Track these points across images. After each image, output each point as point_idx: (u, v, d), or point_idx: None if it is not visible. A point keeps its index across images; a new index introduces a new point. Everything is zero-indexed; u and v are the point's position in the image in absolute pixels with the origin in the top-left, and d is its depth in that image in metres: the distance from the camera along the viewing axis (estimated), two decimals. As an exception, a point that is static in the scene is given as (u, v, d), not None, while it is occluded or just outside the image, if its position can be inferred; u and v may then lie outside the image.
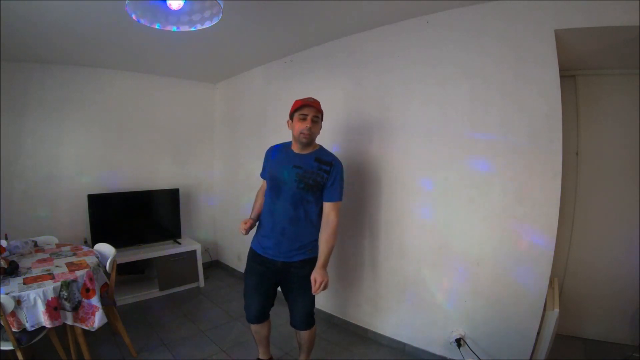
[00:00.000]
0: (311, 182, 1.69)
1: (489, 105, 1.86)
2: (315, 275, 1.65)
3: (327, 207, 1.73)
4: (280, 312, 2.79)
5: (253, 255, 1.84)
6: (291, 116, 1.73)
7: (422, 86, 2.09)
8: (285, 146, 1.82)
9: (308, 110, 1.67)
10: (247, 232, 1.79)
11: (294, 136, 1.73)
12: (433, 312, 2.12)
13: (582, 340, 2.32)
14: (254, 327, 1.91)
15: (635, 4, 1.44)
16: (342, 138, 2.51)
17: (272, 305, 1.91)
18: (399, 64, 2.18)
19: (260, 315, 1.87)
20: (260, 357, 2.05)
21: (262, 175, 1.90)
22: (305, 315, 1.80)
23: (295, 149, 1.76)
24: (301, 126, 1.66)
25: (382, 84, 2.28)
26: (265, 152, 1.89)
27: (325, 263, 1.68)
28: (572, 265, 2.34)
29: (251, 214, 1.92)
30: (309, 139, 1.69)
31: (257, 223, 1.88)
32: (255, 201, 1.95)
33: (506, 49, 1.79)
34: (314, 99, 1.72)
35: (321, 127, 1.77)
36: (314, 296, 1.77)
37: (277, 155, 1.82)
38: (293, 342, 2.36)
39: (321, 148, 1.81)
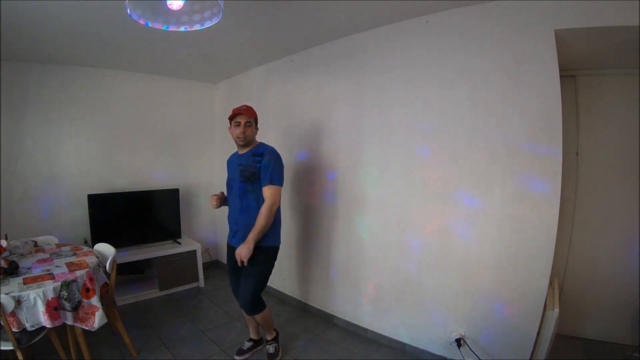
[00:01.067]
0: (247, 174, 1.95)
1: (488, 105, 1.86)
2: (237, 249, 1.87)
3: (264, 191, 1.94)
4: (281, 312, 2.81)
5: (227, 246, 2.14)
6: (231, 124, 1.99)
7: (422, 86, 2.09)
8: (235, 152, 2.12)
9: (241, 118, 1.94)
10: (218, 204, 2.11)
11: (234, 140, 2.02)
12: (433, 312, 2.12)
13: (582, 340, 2.32)
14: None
15: (635, 4, 1.45)
16: (342, 138, 2.51)
17: None
18: (399, 63, 2.18)
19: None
20: (251, 336, 2.26)
21: (226, 182, 2.16)
22: (246, 300, 1.98)
23: (239, 151, 2.07)
24: (236, 132, 1.96)
25: (382, 84, 2.28)
26: None
27: (251, 238, 1.86)
28: (572, 265, 2.34)
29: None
30: (245, 141, 1.98)
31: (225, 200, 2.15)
32: None
33: (506, 49, 1.79)
34: (247, 107, 1.99)
35: (257, 128, 2.05)
36: (258, 283, 1.98)
37: (230, 161, 2.14)
38: (293, 342, 2.37)
39: (259, 144, 2.06)
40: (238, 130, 1.95)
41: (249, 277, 1.96)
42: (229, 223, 2.08)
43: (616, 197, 2.22)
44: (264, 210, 1.88)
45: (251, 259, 1.87)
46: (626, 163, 2.17)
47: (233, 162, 2.08)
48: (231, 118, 1.96)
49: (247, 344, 2.22)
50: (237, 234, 2.00)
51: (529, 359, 1.78)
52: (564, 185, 1.70)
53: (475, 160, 1.91)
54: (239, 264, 1.86)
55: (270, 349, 2.16)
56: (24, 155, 2.82)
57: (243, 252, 1.84)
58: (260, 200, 1.94)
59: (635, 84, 2.09)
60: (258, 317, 2.05)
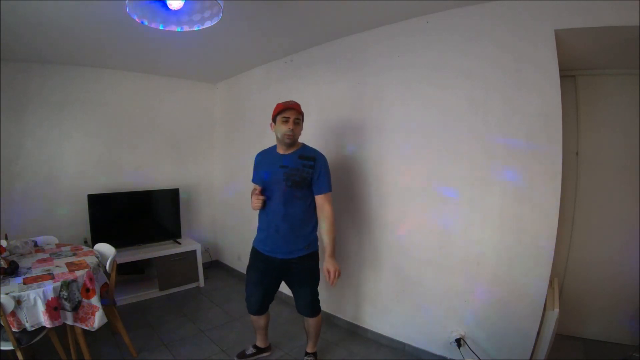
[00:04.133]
0: (298, 179, 1.79)
1: (488, 105, 1.86)
2: (327, 267, 1.78)
3: (319, 200, 1.84)
4: (282, 312, 2.81)
5: (255, 252, 1.97)
6: (274, 119, 1.85)
7: (422, 86, 2.09)
8: (271, 149, 1.95)
9: (290, 113, 1.79)
10: (262, 206, 1.84)
11: (277, 138, 1.86)
12: (433, 312, 2.12)
13: (582, 340, 2.32)
14: (255, 317, 2.05)
15: (635, 4, 1.44)
16: (342, 138, 2.51)
17: (273, 299, 2.06)
18: (399, 63, 2.18)
19: (261, 308, 2.00)
20: (257, 343, 2.19)
21: (254, 180, 2.01)
22: (306, 304, 1.93)
23: (280, 150, 1.88)
24: (284, 128, 1.79)
25: (381, 84, 2.27)
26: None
27: (332, 253, 1.80)
28: (572, 265, 2.34)
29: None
30: (293, 139, 1.82)
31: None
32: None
33: (506, 49, 1.79)
34: (295, 102, 1.83)
35: (302, 127, 1.89)
36: (315, 287, 1.94)
37: (264, 159, 1.96)
38: (293, 342, 2.37)
39: (304, 146, 1.92)
40: (286, 127, 1.77)
41: (307, 285, 1.91)
42: (265, 228, 1.89)
43: (616, 197, 2.22)
44: (332, 220, 1.82)
45: (306, 267, 1.85)
46: (626, 163, 2.17)
47: (270, 162, 1.88)
48: (277, 112, 1.81)
49: (251, 349, 2.17)
50: (277, 241, 1.84)
51: (529, 359, 1.78)
52: (564, 185, 1.70)
53: (475, 160, 1.91)
54: (332, 282, 1.77)
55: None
56: (24, 155, 2.82)
57: (336, 267, 1.78)
58: (305, 207, 1.84)
59: (635, 84, 2.09)
60: (313, 321, 1.98)
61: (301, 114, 1.85)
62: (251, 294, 1.97)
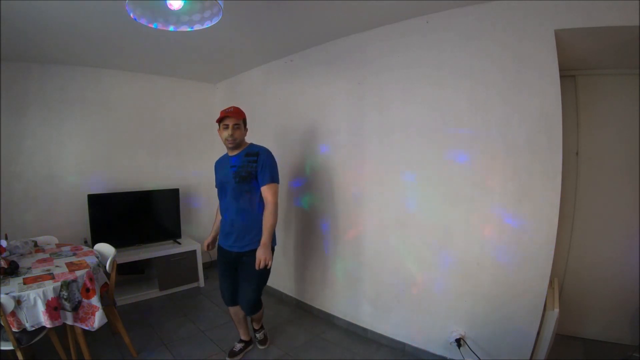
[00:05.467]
0: (244, 174, 1.93)
1: (488, 105, 1.86)
2: (258, 254, 1.86)
3: (263, 191, 1.95)
4: (280, 312, 2.81)
5: (218, 248, 2.11)
6: (219, 126, 1.96)
7: (422, 86, 2.09)
8: (225, 155, 2.10)
9: (229, 120, 1.91)
10: (210, 247, 2.17)
11: (223, 142, 1.98)
12: (433, 312, 2.12)
13: (582, 340, 2.32)
14: (231, 310, 2.16)
15: (635, 4, 1.44)
16: (342, 137, 2.51)
17: None
18: (399, 64, 2.18)
19: (233, 298, 2.09)
20: (242, 337, 2.26)
21: (215, 184, 2.13)
22: (249, 303, 2.01)
23: (229, 153, 2.03)
24: (225, 134, 1.93)
25: (381, 84, 2.28)
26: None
27: (267, 240, 1.89)
28: (572, 265, 2.34)
29: (212, 231, 2.22)
30: (234, 143, 1.95)
31: (217, 236, 2.14)
32: (216, 217, 2.22)
33: (506, 49, 1.79)
34: (235, 108, 1.95)
35: (246, 129, 2.03)
36: (261, 284, 2.02)
37: (219, 164, 2.11)
38: (293, 342, 2.37)
39: (250, 145, 2.05)
40: (227, 133, 1.92)
41: (252, 280, 1.97)
42: (223, 225, 2.05)
43: (616, 197, 2.22)
44: (271, 209, 1.91)
45: (251, 262, 1.88)
46: (626, 163, 2.17)
47: (224, 164, 2.05)
48: (219, 120, 1.94)
49: (239, 346, 2.22)
50: (232, 236, 1.98)
51: (529, 359, 1.78)
52: (564, 185, 1.70)
53: (475, 160, 1.91)
54: (258, 267, 1.84)
55: (261, 335, 2.31)
56: (24, 155, 2.82)
57: (266, 256, 1.86)
58: (255, 200, 1.96)
59: (635, 84, 2.09)
60: (255, 317, 2.11)
61: (241, 118, 1.96)
62: (222, 288, 2.11)
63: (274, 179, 1.96)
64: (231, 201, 1.97)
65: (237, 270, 2.03)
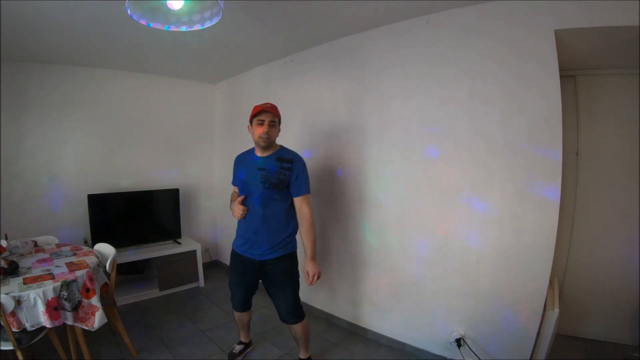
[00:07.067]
0: (275, 181, 1.79)
1: (489, 106, 1.86)
2: (307, 269, 1.80)
3: (298, 202, 1.84)
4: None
5: (234, 254, 1.97)
6: (251, 121, 1.82)
7: (422, 87, 2.09)
8: (249, 152, 1.94)
9: (265, 116, 1.77)
10: (244, 216, 1.85)
11: (254, 140, 1.83)
12: (433, 312, 2.12)
13: (582, 340, 2.32)
14: (238, 315, 2.09)
15: (635, 4, 1.44)
16: (342, 137, 2.51)
17: (254, 294, 2.06)
18: (399, 64, 2.18)
19: (244, 304, 2.04)
20: (242, 339, 2.23)
21: (234, 182, 2.00)
22: (288, 310, 1.89)
23: (258, 152, 1.87)
24: (259, 131, 1.77)
25: (382, 84, 2.27)
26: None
27: (313, 255, 1.81)
28: (572, 265, 2.34)
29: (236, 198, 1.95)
30: (267, 142, 1.79)
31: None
32: (231, 201, 2.00)
33: (506, 49, 1.79)
34: (271, 104, 1.80)
35: (279, 129, 1.87)
36: (296, 290, 1.91)
37: (243, 161, 1.95)
38: (293, 342, 2.37)
39: (282, 148, 1.91)
40: (261, 130, 1.76)
41: (286, 288, 1.87)
42: (244, 231, 1.87)
43: (616, 197, 2.22)
44: (310, 222, 1.81)
45: (283, 269, 1.83)
46: (626, 163, 2.17)
47: (249, 163, 1.88)
48: (253, 115, 1.79)
49: (238, 347, 2.19)
50: (256, 245, 1.83)
51: (529, 359, 1.78)
52: (564, 185, 1.70)
53: (475, 160, 1.91)
54: (310, 283, 1.79)
55: None
56: (24, 155, 2.82)
57: (317, 270, 1.79)
58: (284, 209, 1.84)
59: (635, 84, 2.09)
60: (299, 327, 1.92)
61: (277, 116, 1.82)
62: (234, 295, 2.01)
63: (308, 189, 1.86)
64: (256, 207, 1.82)
65: (263, 281, 1.92)
